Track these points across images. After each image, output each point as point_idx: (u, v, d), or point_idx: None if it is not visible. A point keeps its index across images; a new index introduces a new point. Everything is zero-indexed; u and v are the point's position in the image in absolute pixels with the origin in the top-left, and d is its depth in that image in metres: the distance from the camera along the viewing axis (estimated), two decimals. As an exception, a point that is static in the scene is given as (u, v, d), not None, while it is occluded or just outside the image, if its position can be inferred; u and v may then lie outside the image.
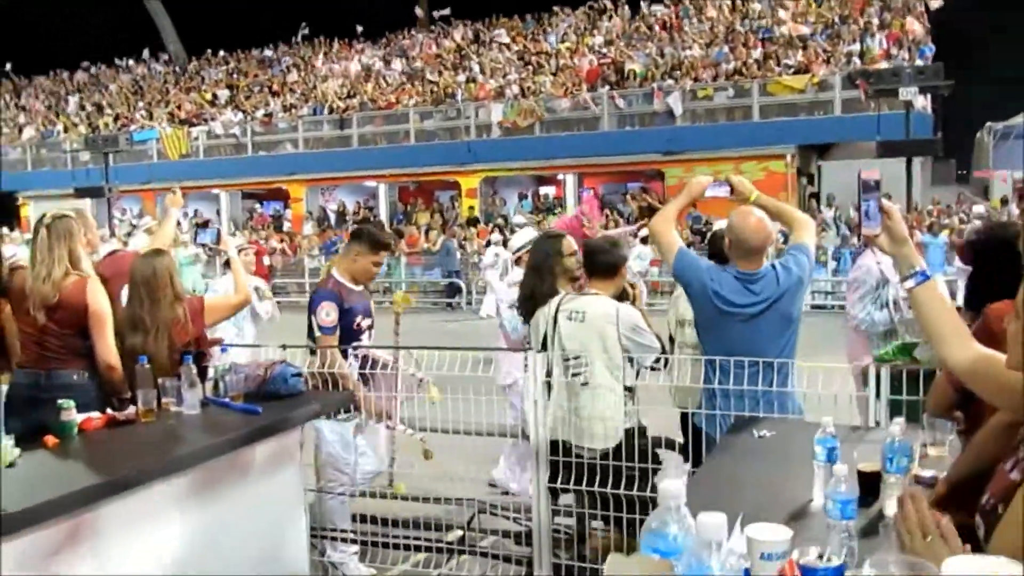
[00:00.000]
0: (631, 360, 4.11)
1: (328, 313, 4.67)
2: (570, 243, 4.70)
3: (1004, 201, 21.87)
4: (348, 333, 4.76)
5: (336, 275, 4.83)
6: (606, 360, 4.07)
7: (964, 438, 2.85)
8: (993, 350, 2.33)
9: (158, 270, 4.26)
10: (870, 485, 2.54)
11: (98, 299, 4.17)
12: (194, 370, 3.85)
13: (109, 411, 3.68)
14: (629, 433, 4.06)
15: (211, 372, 4.05)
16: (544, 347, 4.23)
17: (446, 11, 31.81)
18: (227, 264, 6.47)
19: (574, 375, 4.10)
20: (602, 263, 4.28)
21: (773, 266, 3.87)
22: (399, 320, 6.41)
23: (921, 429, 2.96)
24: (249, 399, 3.96)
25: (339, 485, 4.81)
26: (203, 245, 6.38)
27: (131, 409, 3.70)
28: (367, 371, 4.74)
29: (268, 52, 35.36)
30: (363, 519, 4.84)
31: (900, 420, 2.58)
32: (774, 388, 3.69)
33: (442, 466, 5.15)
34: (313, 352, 4.60)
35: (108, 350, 4.12)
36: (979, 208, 15.20)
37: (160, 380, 3.84)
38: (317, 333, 4.67)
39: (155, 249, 4.53)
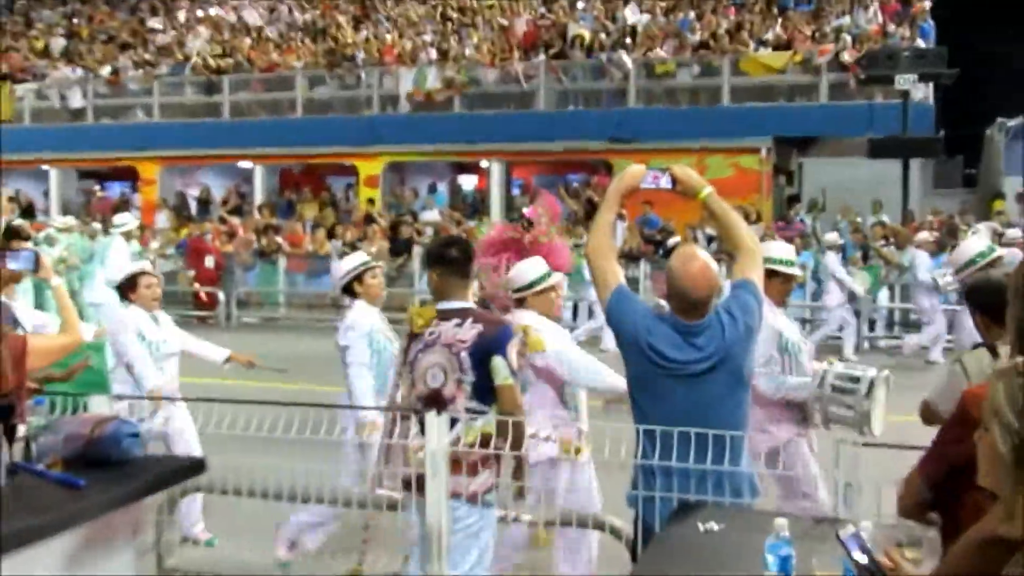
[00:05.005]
0: None
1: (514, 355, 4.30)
2: None
3: (1021, 197, 21.63)
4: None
5: (473, 306, 4.52)
6: None
7: (944, 542, 2.97)
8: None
9: None
10: (831, 600, 2.63)
11: None
12: (-1, 429, 3.77)
13: None
14: None
15: (22, 431, 3.97)
16: None
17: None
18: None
19: None
20: None
21: (717, 312, 3.89)
22: None
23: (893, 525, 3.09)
24: (71, 466, 3.90)
25: None
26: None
27: (-84, 478, 3.62)
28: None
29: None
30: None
31: (867, 524, 2.67)
32: (725, 466, 3.74)
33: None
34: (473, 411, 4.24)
35: None
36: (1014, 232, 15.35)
37: (-45, 442, 3.75)
38: (506, 380, 4.23)
39: None
